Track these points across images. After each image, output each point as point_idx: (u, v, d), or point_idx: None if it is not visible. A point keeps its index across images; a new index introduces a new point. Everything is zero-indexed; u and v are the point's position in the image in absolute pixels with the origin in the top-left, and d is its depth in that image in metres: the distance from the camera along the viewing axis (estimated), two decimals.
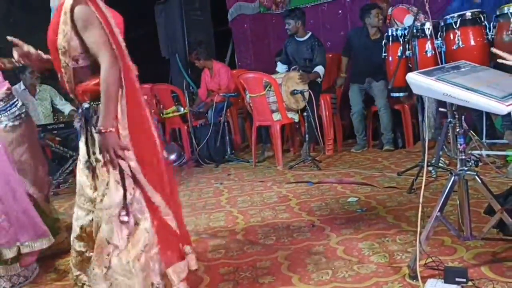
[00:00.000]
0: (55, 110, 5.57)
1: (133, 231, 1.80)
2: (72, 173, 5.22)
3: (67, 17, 1.73)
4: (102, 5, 1.83)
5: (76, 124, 1.95)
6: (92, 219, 1.85)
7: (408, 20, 4.22)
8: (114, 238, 1.77)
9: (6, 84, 2.57)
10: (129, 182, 1.80)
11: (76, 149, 4.85)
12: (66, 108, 5.46)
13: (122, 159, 1.77)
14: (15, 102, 2.58)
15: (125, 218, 1.77)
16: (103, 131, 1.75)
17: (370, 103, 5.10)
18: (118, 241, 1.77)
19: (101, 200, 1.80)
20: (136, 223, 1.81)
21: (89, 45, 1.75)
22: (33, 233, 2.46)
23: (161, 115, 5.84)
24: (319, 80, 4.96)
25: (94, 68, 1.80)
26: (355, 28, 5.50)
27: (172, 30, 7.02)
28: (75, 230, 1.92)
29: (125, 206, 1.78)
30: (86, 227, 1.89)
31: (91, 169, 1.85)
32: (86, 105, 1.85)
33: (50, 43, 1.83)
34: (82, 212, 1.90)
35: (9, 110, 2.54)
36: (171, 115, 5.75)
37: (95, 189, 1.83)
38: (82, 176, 1.90)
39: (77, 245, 1.91)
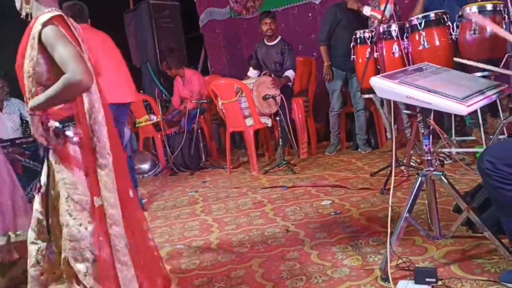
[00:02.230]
0: (26, 124, 5.45)
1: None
2: None
3: (34, 42, 1.68)
4: (78, 29, 1.80)
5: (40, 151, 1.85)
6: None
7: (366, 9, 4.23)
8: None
9: None
10: (84, 215, 1.72)
11: None
12: None
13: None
14: None
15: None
16: (30, 113, 1.71)
17: (345, 103, 5.13)
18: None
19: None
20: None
21: (59, 62, 1.64)
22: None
23: (134, 124, 5.78)
24: (290, 83, 4.98)
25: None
26: (335, 4, 5.13)
27: (143, 38, 6.96)
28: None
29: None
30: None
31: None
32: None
33: (17, 66, 1.77)
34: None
35: None
36: (143, 124, 5.68)
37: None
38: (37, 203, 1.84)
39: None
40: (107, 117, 1.77)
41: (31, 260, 1.84)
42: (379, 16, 4.49)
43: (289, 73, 4.89)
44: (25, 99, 1.82)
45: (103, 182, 1.71)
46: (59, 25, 1.69)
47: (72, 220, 1.71)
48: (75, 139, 1.72)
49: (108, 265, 1.71)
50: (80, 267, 1.70)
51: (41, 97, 1.69)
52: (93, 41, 3.09)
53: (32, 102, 1.71)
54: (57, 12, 1.72)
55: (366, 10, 4.55)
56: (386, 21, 4.36)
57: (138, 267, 1.78)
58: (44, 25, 1.66)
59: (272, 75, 4.82)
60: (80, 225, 1.70)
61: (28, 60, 1.70)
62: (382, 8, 4.33)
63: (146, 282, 1.82)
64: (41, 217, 1.82)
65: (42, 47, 1.67)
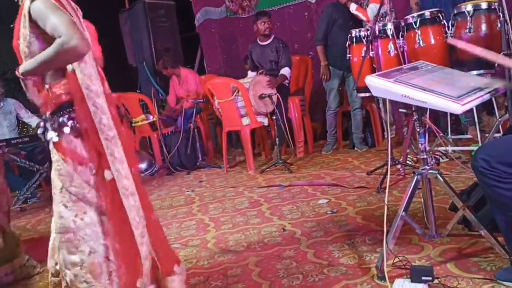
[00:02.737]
0: (23, 123, 5.44)
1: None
2: (40, 187, 5.11)
3: (26, 20, 1.63)
4: (76, 10, 1.74)
5: (40, 135, 1.79)
6: None
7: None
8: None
9: None
10: (80, 205, 1.68)
11: (42, 163, 4.78)
12: (33, 121, 5.39)
13: None
14: None
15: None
16: (21, 77, 1.68)
17: (342, 102, 5.14)
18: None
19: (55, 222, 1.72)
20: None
21: (51, 31, 1.55)
22: None
23: (130, 124, 5.76)
24: (286, 82, 4.98)
25: (56, 74, 1.68)
26: (330, 4, 5.09)
27: (138, 37, 6.93)
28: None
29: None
30: None
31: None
32: (44, 117, 1.74)
33: (15, 48, 1.73)
34: None
35: None
36: (140, 123, 5.68)
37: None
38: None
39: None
40: (108, 103, 1.71)
41: None
42: (362, 16, 4.53)
43: (285, 70, 4.89)
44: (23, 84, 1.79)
45: (111, 153, 1.66)
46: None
47: (67, 211, 1.67)
48: (67, 129, 1.67)
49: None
50: (75, 258, 1.66)
51: (32, 61, 1.63)
52: None
53: (22, 66, 1.66)
54: None
55: (352, 8, 4.57)
56: (369, 21, 4.37)
57: (151, 243, 1.77)
58: (32, 2, 1.60)
59: (268, 75, 4.81)
60: (76, 215, 1.67)
61: (22, 40, 1.66)
62: (369, 7, 4.35)
63: (161, 259, 1.80)
64: None
65: (34, 23, 1.62)
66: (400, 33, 3.61)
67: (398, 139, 4.74)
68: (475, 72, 3.18)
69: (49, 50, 1.57)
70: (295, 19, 6.36)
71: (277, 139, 4.69)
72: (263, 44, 5.04)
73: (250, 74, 5.18)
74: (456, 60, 3.40)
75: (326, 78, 4.97)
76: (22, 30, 1.65)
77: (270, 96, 4.57)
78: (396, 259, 2.06)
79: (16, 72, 1.68)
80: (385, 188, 3.22)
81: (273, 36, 5.07)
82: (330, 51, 4.95)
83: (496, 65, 3.34)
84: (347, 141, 5.28)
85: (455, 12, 3.37)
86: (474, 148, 3.72)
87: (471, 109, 3.73)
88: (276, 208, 3.31)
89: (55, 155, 1.70)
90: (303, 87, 5.58)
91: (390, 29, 3.63)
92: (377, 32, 3.57)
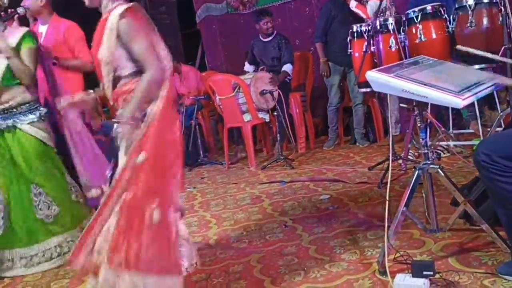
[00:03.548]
0: None
1: None
2: None
3: (112, 33, 1.82)
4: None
5: (115, 130, 1.92)
6: None
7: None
8: None
9: None
10: None
11: None
12: None
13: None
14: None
15: None
16: (122, 121, 1.81)
17: (343, 98, 5.13)
18: None
19: None
20: None
21: (136, 56, 1.82)
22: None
23: None
24: (288, 78, 4.97)
25: (128, 78, 1.88)
26: (329, 0, 5.08)
27: None
28: None
29: None
30: None
31: None
32: (120, 111, 1.89)
33: (94, 54, 1.93)
34: None
35: None
36: None
37: None
38: None
39: None
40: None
41: None
42: (362, 14, 4.51)
43: (287, 67, 4.88)
44: (101, 85, 1.98)
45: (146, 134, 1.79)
46: (134, 17, 1.84)
47: None
48: None
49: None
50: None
51: (132, 105, 1.81)
52: None
53: (127, 112, 1.81)
54: (130, 4, 1.85)
55: (352, 5, 4.54)
56: (369, 18, 4.35)
57: None
58: (121, 17, 1.80)
59: (270, 72, 4.80)
60: None
61: (105, 50, 1.85)
62: (369, 4, 4.34)
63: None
64: None
65: (118, 38, 1.82)
66: (401, 27, 3.59)
67: (402, 137, 4.73)
68: (476, 67, 3.16)
69: (142, 89, 1.80)
70: (296, 14, 6.34)
71: (278, 135, 4.68)
72: (265, 41, 5.03)
73: (247, 66, 5.17)
74: (457, 55, 3.38)
75: (326, 75, 4.97)
76: (106, 38, 1.84)
77: (271, 92, 4.57)
78: (398, 254, 2.06)
79: (125, 119, 1.81)
80: (386, 183, 3.23)
81: (275, 32, 5.06)
82: (330, 47, 4.94)
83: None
84: (349, 137, 5.27)
85: (457, 6, 3.34)
86: (476, 142, 3.71)
87: (473, 104, 3.72)
88: (278, 204, 3.31)
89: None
90: (304, 82, 5.57)
91: (391, 23, 3.60)
92: (378, 27, 3.56)
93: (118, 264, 1.70)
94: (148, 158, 1.77)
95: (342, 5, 4.78)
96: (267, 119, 4.81)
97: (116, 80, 1.91)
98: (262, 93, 4.57)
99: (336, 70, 4.92)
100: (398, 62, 2.16)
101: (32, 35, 2.81)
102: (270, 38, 5.01)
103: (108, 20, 1.85)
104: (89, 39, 3.04)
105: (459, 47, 2.37)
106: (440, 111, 4.35)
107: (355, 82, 4.33)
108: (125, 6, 1.84)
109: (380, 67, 2.08)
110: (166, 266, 1.76)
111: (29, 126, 2.74)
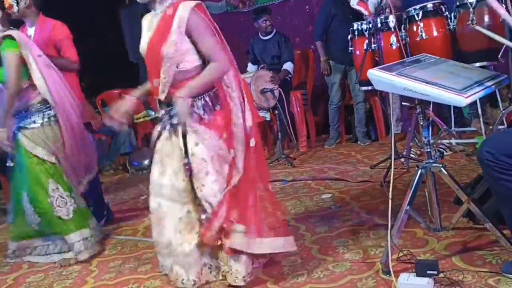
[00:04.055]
0: None
1: None
2: None
3: (181, 27, 1.90)
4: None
5: (165, 122, 2.08)
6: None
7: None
8: None
9: None
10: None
11: None
12: None
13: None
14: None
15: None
16: (181, 97, 1.94)
17: (344, 96, 5.11)
18: None
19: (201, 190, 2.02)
20: None
21: (205, 51, 1.96)
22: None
23: (132, 121, 5.74)
24: (289, 76, 4.96)
25: (191, 71, 2.00)
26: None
27: (138, 34, 6.87)
28: None
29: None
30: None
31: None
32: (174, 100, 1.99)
33: (152, 48, 1.99)
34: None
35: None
36: (142, 120, 5.64)
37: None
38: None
39: None
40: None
41: None
42: (364, 10, 4.49)
43: (287, 65, 4.87)
44: (150, 81, 2.09)
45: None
46: (204, 13, 1.95)
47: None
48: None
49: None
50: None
51: (195, 84, 1.96)
52: None
53: (187, 90, 1.95)
54: (197, 1, 1.94)
55: (353, 3, 4.52)
56: (370, 15, 4.34)
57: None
58: (192, 12, 1.90)
59: (271, 71, 4.78)
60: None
61: (173, 44, 1.92)
62: (370, 1, 4.32)
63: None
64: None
65: (187, 32, 1.92)
66: (402, 25, 3.58)
67: (405, 135, 4.71)
68: (478, 64, 3.15)
69: (208, 74, 1.97)
70: (296, 12, 6.32)
71: (279, 133, 4.67)
72: (265, 39, 5.02)
73: (251, 67, 5.16)
74: (459, 52, 3.38)
75: (327, 73, 4.96)
76: (174, 34, 1.91)
77: (272, 91, 4.55)
78: (401, 254, 2.05)
79: (185, 101, 1.95)
80: (389, 182, 3.23)
81: (275, 30, 5.04)
82: (331, 46, 4.93)
83: (499, 56, 3.32)
84: (350, 135, 5.26)
85: (458, 3, 3.33)
86: (478, 140, 3.70)
87: (474, 102, 3.70)
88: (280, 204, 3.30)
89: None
90: (304, 81, 5.55)
91: (392, 21, 3.59)
92: (379, 25, 3.55)
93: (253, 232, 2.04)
94: (256, 143, 2.08)
95: (342, 3, 4.76)
96: (268, 118, 4.80)
97: (177, 74, 1.98)
98: (263, 92, 4.56)
99: (337, 69, 4.91)
100: (400, 61, 2.15)
101: (13, 39, 2.70)
102: (269, 37, 5.00)
103: (175, 14, 1.91)
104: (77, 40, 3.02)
105: (478, 27, 2.34)
106: (441, 109, 4.34)
107: (356, 80, 4.31)
108: (192, 2, 1.92)
109: (382, 66, 2.07)
110: (280, 230, 2.13)
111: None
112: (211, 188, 2.02)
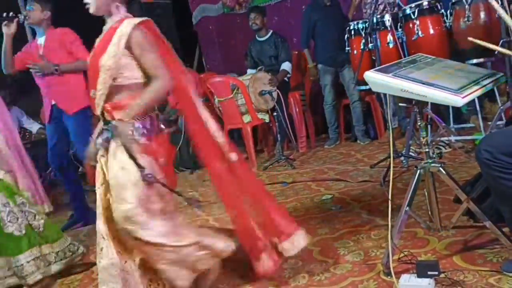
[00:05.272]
0: (24, 131, 5.49)
1: None
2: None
3: (120, 41, 1.87)
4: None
5: (100, 141, 1.99)
6: None
7: None
8: None
9: None
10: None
11: (45, 168, 4.80)
12: (34, 126, 5.44)
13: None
14: None
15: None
16: (125, 120, 1.88)
17: (341, 95, 5.11)
18: None
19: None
20: None
21: (146, 68, 1.92)
22: None
23: None
24: (288, 76, 4.98)
25: (129, 87, 1.95)
26: (308, 5, 5.24)
27: None
28: None
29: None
30: None
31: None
32: (114, 123, 1.92)
33: (93, 58, 1.97)
34: None
35: None
36: None
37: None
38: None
39: None
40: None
41: None
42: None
43: (286, 65, 4.89)
44: (90, 90, 2.00)
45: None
46: (147, 30, 1.93)
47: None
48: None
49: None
50: None
51: (137, 105, 1.90)
52: None
53: (130, 111, 1.90)
54: (144, 18, 1.94)
55: None
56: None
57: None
58: (135, 27, 1.88)
59: (269, 73, 4.79)
60: None
61: (111, 56, 1.89)
62: None
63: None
64: None
65: (128, 48, 1.88)
66: (399, 24, 3.58)
67: (400, 130, 4.71)
68: (475, 61, 3.15)
69: (148, 94, 1.91)
70: (293, 13, 6.32)
71: (278, 135, 4.67)
72: (261, 40, 5.03)
73: (250, 71, 5.16)
74: (456, 49, 3.37)
75: (315, 79, 5.07)
76: (114, 47, 1.89)
77: (270, 93, 4.55)
78: (402, 254, 2.05)
79: (130, 121, 1.89)
80: (389, 181, 3.22)
81: (271, 31, 5.05)
82: (319, 51, 5.01)
83: (496, 52, 3.31)
84: (350, 134, 5.26)
85: (453, 0, 3.33)
86: (477, 137, 3.70)
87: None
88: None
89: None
90: (302, 81, 5.56)
91: (389, 20, 3.59)
92: (375, 24, 3.54)
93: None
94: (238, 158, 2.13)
95: (321, 7, 4.86)
96: (267, 120, 4.80)
97: (112, 88, 1.93)
98: (261, 94, 4.56)
99: (327, 71, 4.96)
100: (396, 61, 2.14)
101: None
102: (266, 37, 5.01)
103: (118, 28, 1.90)
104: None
105: (470, 39, 2.34)
106: (440, 106, 4.33)
107: (353, 80, 4.32)
108: (138, 19, 1.92)
109: (378, 67, 2.07)
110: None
111: None
112: None
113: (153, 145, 1.96)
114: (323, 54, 4.92)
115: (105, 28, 2.02)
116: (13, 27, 3.22)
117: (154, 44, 1.94)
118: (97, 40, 2.03)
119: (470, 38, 2.32)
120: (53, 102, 3.53)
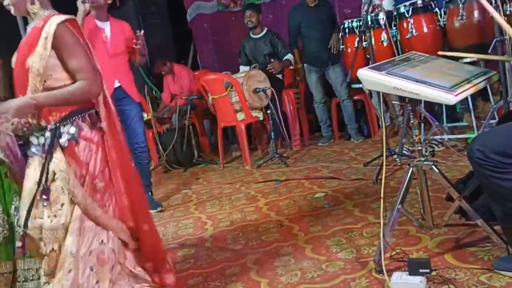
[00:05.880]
0: None
1: None
2: None
3: (47, 42, 1.73)
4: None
5: (34, 147, 1.79)
6: None
7: None
8: None
9: None
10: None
11: None
12: None
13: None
14: None
15: None
16: (35, 104, 1.71)
17: (332, 94, 5.12)
18: None
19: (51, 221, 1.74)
20: None
21: (71, 69, 1.77)
22: None
23: None
24: (290, 68, 5.02)
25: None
26: (293, 7, 5.24)
27: None
28: None
29: None
30: None
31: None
32: (51, 127, 1.77)
33: (19, 62, 1.81)
34: None
35: None
36: None
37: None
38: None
39: None
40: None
41: None
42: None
43: (289, 56, 4.94)
44: (16, 94, 1.84)
45: None
46: (73, 29, 1.78)
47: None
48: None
49: None
50: None
51: (52, 98, 1.75)
52: None
53: (43, 97, 1.74)
54: (68, 16, 1.79)
55: None
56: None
57: None
58: (59, 27, 1.73)
59: (261, 69, 4.78)
60: None
61: (38, 58, 1.74)
62: None
63: None
64: None
65: (54, 48, 1.74)
66: (393, 22, 3.59)
67: (393, 127, 4.72)
68: (468, 60, 3.16)
69: (73, 91, 1.75)
70: (287, 11, 6.30)
71: (272, 133, 4.67)
72: (256, 37, 5.01)
73: (243, 69, 5.15)
74: (450, 48, 3.38)
75: (300, 79, 5.18)
76: (40, 49, 1.74)
77: (264, 90, 4.55)
78: (394, 252, 2.05)
79: (33, 101, 1.71)
80: (381, 179, 3.23)
81: (266, 29, 5.05)
82: (305, 51, 5.09)
83: (489, 51, 3.33)
84: (343, 132, 5.26)
85: None
86: (470, 135, 3.72)
87: (466, 97, 3.71)
88: (273, 204, 3.30)
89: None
90: (296, 79, 5.55)
91: (383, 19, 3.60)
92: (369, 23, 3.55)
93: None
94: None
95: (305, 9, 4.90)
96: (261, 118, 4.79)
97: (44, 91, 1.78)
98: (255, 91, 4.55)
99: (312, 70, 4.99)
100: (389, 59, 2.14)
101: None
102: (260, 35, 5.00)
103: (43, 28, 1.75)
104: None
105: (441, 53, 2.35)
106: (433, 104, 4.35)
107: (347, 78, 4.31)
108: (63, 17, 1.77)
109: (371, 65, 2.06)
110: None
111: None
112: None
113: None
114: (307, 54, 5.00)
115: (28, 28, 1.86)
116: (87, 6, 3.22)
117: (81, 43, 1.79)
118: (21, 43, 1.86)
119: (440, 52, 2.32)
120: None
